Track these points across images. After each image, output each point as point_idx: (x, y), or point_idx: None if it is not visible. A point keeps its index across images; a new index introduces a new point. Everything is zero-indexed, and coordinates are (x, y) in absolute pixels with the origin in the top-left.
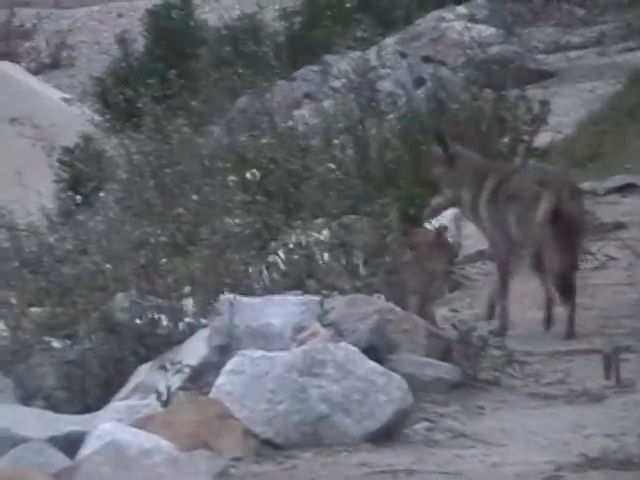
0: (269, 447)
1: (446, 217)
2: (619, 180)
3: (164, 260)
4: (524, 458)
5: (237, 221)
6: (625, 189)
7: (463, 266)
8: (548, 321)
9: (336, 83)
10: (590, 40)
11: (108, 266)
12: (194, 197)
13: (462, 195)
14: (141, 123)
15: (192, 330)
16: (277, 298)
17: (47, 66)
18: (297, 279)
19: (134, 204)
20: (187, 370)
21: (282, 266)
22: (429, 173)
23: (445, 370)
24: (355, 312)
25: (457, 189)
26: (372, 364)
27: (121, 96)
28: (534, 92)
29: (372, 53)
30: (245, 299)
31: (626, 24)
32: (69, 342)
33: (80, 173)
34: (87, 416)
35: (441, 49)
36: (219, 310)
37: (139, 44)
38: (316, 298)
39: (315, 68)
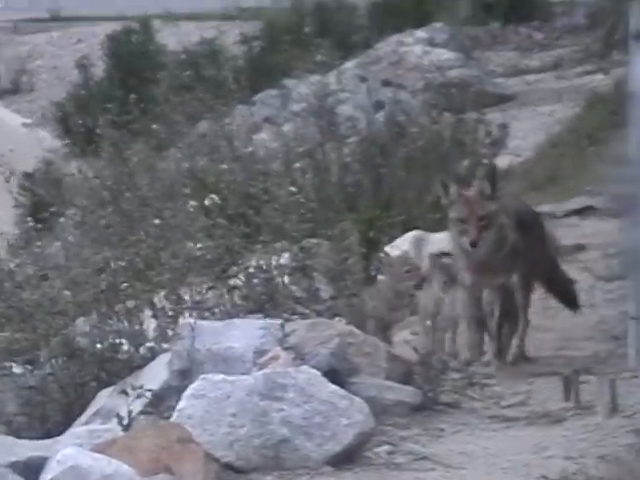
0: (230, 471)
1: (406, 240)
2: (578, 202)
3: (125, 285)
4: None
5: (198, 245)
6: (584, 211)
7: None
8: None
9: (296, 107)
10: (548, 64)
11: (68, 291)
12: (155, 221)
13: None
14: (101, 148)
15: (153, 354)
16: (238, 322)
17: (7, 91)
18: (258, 303)
19: (94, 229)
20: (148, 394)
21: (243, 290)
22: (480, 208)
23: (406, 393)
24: (316, 336)
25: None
26: (333, 387)
27: (81, 121)
28: (493, 116)
29: (332, 77)
30: (206, 323)
31: (584, 48)
32: (30, 367)
33: (40, 198)
34: (48, 441)
35: (400, 73)
36: (180, 334)
37: (99, 69)
38: (277, 322)
39: (275, 92)
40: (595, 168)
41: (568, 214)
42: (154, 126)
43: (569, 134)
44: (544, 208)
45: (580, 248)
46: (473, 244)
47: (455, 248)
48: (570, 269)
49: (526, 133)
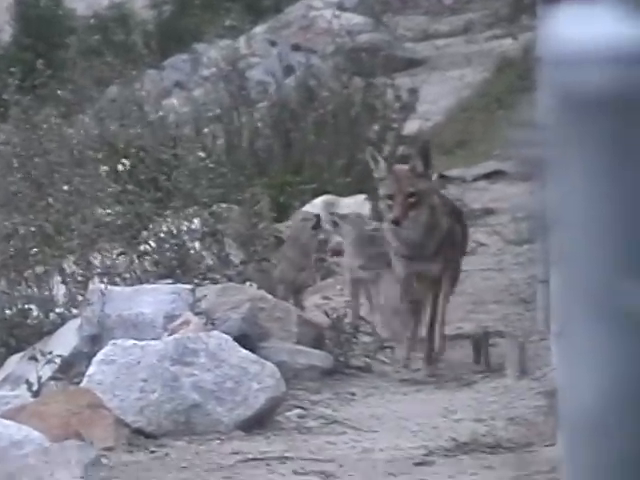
0: (141, 436)
1: (317, 204)
2: (487, 167)
3: (34, 250)
4: (395, 443)
5: (108, 211)
6: (493, 176)
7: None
8: None
9: (206, 72)
10: (458, 28)
11: None
12: (64, 187)
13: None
14: (9, 113)
15: (63, 320)
16: (148, 287)
17: None
18: (168, 268)
19: (2, 195)
20: (58, 360)
21: (153, 255)
22: (409, 185)
23: (317, 357)
24: (227, 301)
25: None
26: (244, 352)
27: None
28: (403, 80)
29: (242, 42)
30: (116, 288)
31: (493, 12)
32: None
33: None
34: None
35: (310, 37)
36: (90, 300)
37: (6, 33)
38: (188, 287)
39: (185, 57)
40: (504, 132)
41: (477, 178)
42: (62, 91)
43: (478, 98)
44: (453, 172)
45: (489, 212)
46: (395, 221)
47: (386, 229)
48: (479, 233)
49: (436, 97)
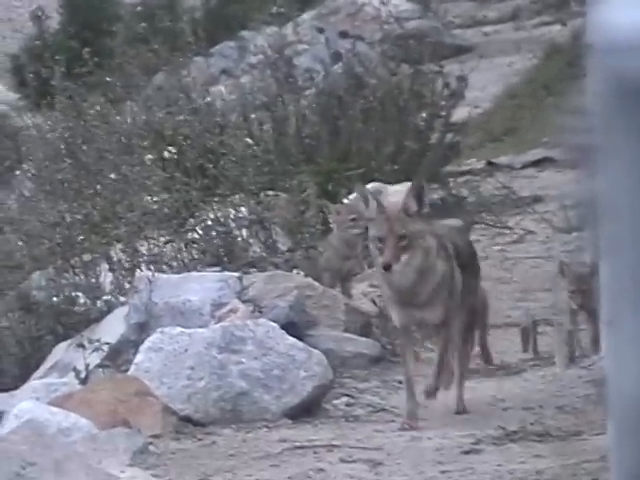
0: (188, 424)
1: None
2: (536, 154)
3: (81, 238)
4: (443, 432)
5: (155, 198)
6: (542, 163)
7: None
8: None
9: (253, 59)
10: (506, 15)
11: (24, 245)
12: (111, 175)
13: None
14: (56, 101)
15: (110, 308)
16: (196, 275)
17: None
18: (215, 256)
19: (50, 182)
20: (105, 348)
21: (201, 243)
22: (401, 227)
23: (364, 345)
24: (274, 288)
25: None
26: (292, 340)
27: (35, 74)
28: (451, 67)
29: (289, 28)
30: (163, 276)
31: None
32: None
33: None
34: (5, 395)
35: (358, 24)
36: (137, 287)
37: (54, 21)
38: (235, 274)
39: (232, 44)
40: (553, 119)
41: (526, 166)
42: (109, 78)
43: (527, 85)
44: (502, 160)
45: (538, 200)
46: (386, 267)
47: (377, 273)
48: (528, 220)
49: (484, 84)
